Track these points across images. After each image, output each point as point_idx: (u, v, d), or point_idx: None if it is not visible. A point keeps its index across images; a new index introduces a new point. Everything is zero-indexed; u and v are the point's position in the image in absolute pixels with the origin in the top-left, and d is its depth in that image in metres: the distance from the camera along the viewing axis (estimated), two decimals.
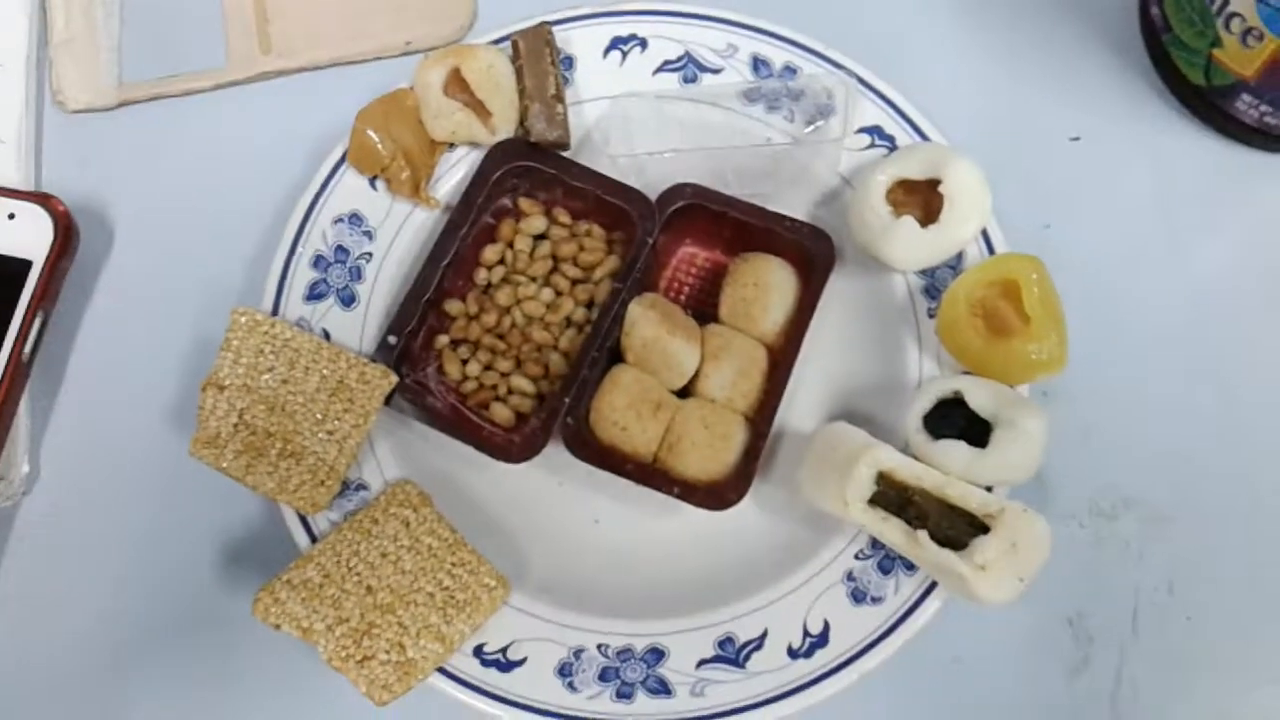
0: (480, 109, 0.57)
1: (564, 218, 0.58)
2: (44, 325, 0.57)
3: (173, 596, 0.54)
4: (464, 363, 0.57)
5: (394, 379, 0.53)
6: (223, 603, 0.54)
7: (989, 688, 0.53)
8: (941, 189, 0.54)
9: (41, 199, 0.58)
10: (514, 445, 0.54)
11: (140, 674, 0.53)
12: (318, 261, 0.56)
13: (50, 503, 0.56)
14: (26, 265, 0.57)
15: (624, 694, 0.50)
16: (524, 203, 0.59)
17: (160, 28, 0.64)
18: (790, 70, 0.59)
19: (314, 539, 0.52)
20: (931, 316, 0.55)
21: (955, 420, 0.51)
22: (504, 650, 0.51)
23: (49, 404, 0.58)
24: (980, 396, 0.51)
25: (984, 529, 0.49)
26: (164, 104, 0.63)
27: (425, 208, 0.58)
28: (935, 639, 0.52)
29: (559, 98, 0.57)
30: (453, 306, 0.57)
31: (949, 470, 0.50)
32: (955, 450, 0.50)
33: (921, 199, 0.55)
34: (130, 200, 0.61)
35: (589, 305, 0.57)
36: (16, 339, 0.56)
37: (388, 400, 0.54)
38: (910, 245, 0.54)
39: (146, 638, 0.54)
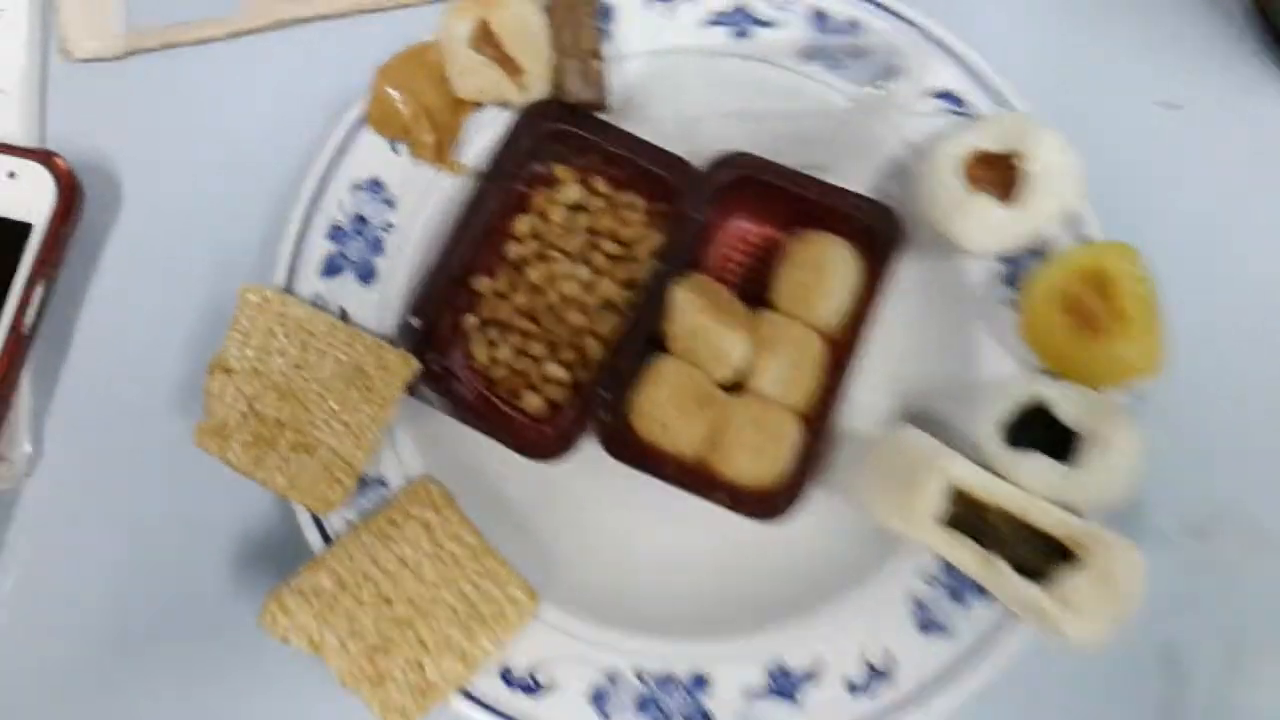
0: (511, 65, 0.51)
1: (603, 187, 0.53)
2: (47, 294, 0.53)
3: (177, 594, 0.50)
4: (493, 345, 0.52)
5: (416, 365, 0.49)
6: (229, 604, 0.50)
7: None
8: (1023, 164, 0.47)
9: (43, 156, 0.54)
10: (546, 441, 0.49)
11: (139, 676, 0.50)
12: (334, 232, 0.52)
13: (53, 486, 0.52)
14: (27, 229, 0.53)
15: None
16: (559, 169, 0.53)
17: None
18: (854, 25, 0.53)
19: (328, 539, 0.48)
20: (1013, 308, 0.49)
21: (1038, 431, 0.46)
22: (532, 672, 0.47)
23: (52, 380, 0.54)
24: (1069, 405, 0.45)
25: (1068, 556, 0.44)
26: (175, 53, 0.58)
27: (451, 173, 0.53)
28: (1010, 675, 0.46)
29: (596, 53, 0.51)
30: (481, 284, 0.52)
31: (1030, 487, 0.45)
32: (1038, 465, 0.45)
33: (1001, 174, 0.49)
34: (139, 159, 0.56)
35: (629, 286, 0.52)
36: (17, 309, 0.51)
37: (410, 389, 0.49)
38: (987, 226, 0.48)
39: (148, 638, 0.50)
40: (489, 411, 0.51)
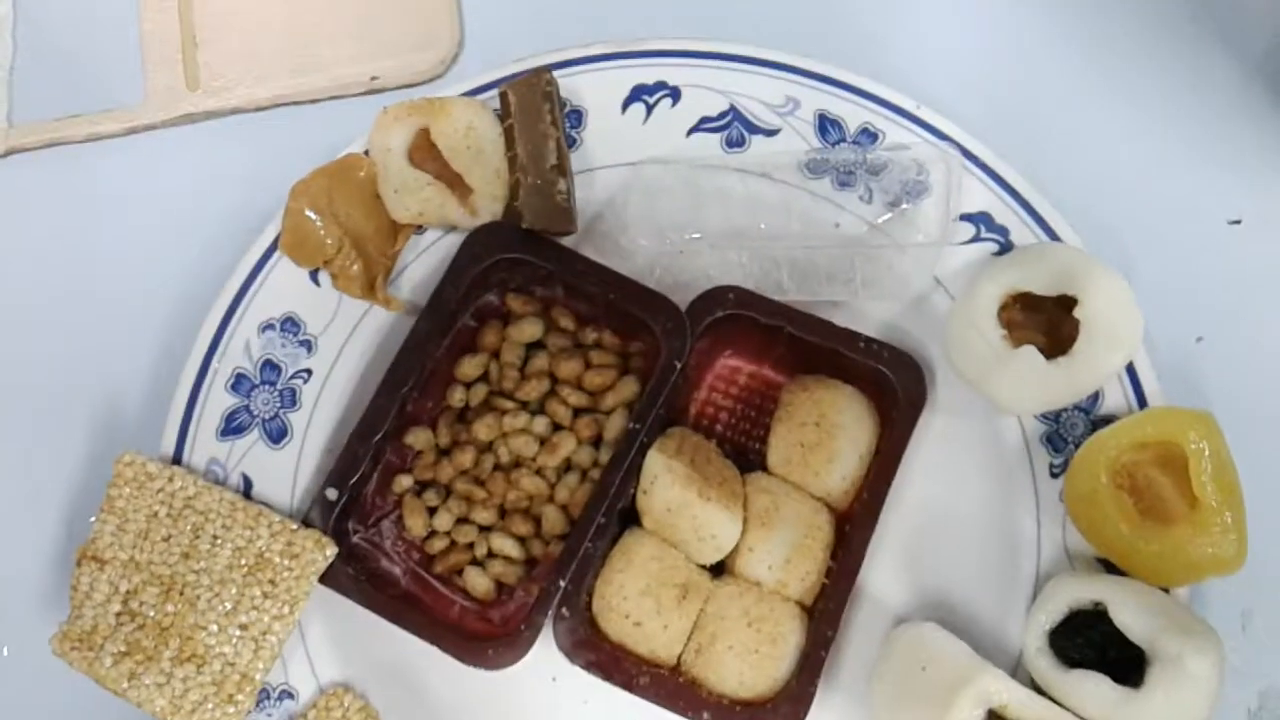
0: (457, 183, 0.44)
1: (566, 322, 0.45)
2: None
3: None
4: (431, 513, 0.44)
5: (332, 550, 0.41)
6: None
7: None
8: (1078, 312, 0.40)
9: None
10: (491, 644, 0.41)
11: None
12: (239, 382, 0.44)
13: None
14: None
15: None
16: (514, 301, 0.45)
17: (63, 56, 0.52)
18: (869, 135, 0.45)
19: None
20: (1055, 476, 0.41)
21: (1092, 638, 0.38)
22: None
23: None
24: (1130, 611, 0.38)
25: None
26: (61, 151, 0.51)
27: (383, 309, 0.44)
28: None
29: (561, 169, 0.43)
30: (418, 438, 0.44)
31: (1086, 714, 0.37)
32: (1095, 688, 0.37)
33: (1046, 319, 0.41)
34: (12, 274, 0.49)
35: (596, 444, 0.44)
36: None
37: (325, 577, 0.41)
38: (1030, 383, 0.41)
39: None
40: (424, 594, 0.43)
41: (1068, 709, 0.37)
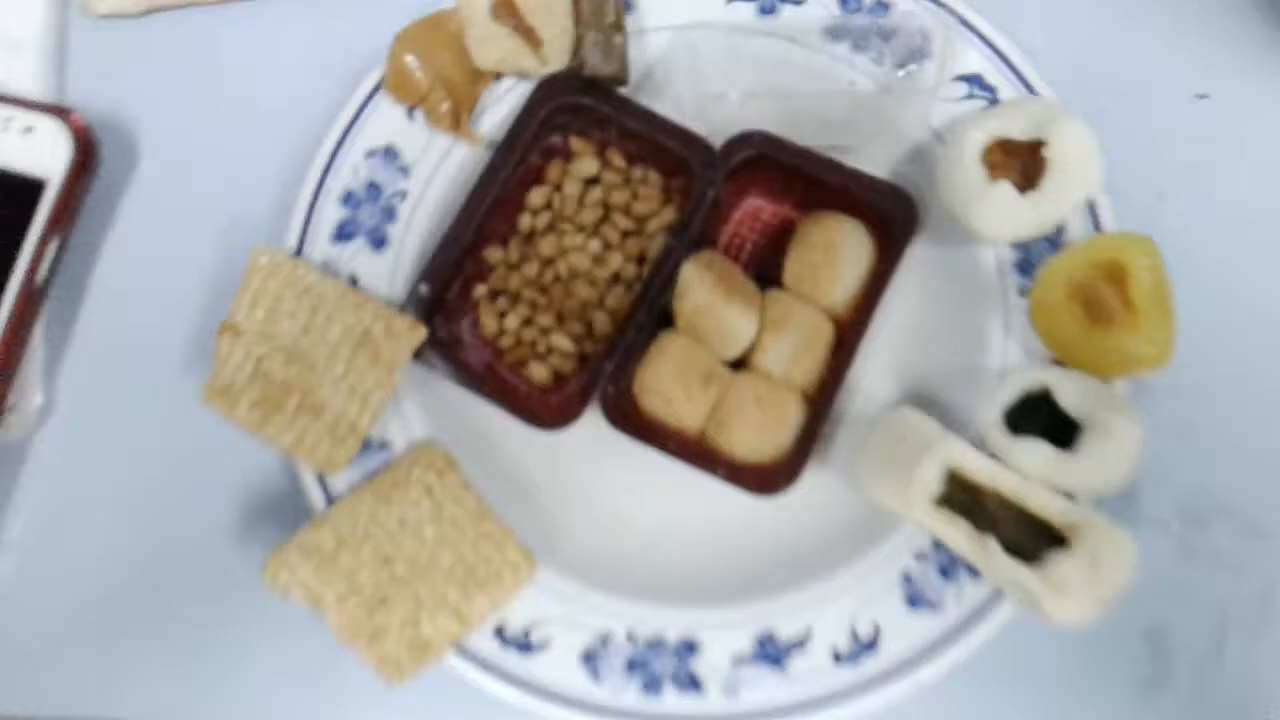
0: (530, 36, 0.52)
1: (618, 161, 0.53)
2: (60, 250, 0.54)
3: (181, 548, 0.51)
4: (502, 315, 0.52)
5: (423, 333, 0.49)
6: (232, 559, 0.51)
7: (1056, 703, 0.49)
8: (1046, 152, 0.47)
9: (60, 113, 0.54)
10: (550, 410, 0.50)
11: (142, 626, 0.51)
12: (347, 198, 0.52)
13: (64, 438, 0.53)
14: (42, 185, 0.53)
15: (651, 688, 0.47)
16: (575, 142, 0.53)
17: None
18: (882, 5, 0.53)
19: (331, 500, 0.49)
20: (1023, 296, 0.49)
21: (1040, 417, 0.46)
22: (526, 632, 0.48)
23: (66, 333, 0.54)
24: (1072, 393, 0.45)
25: (1061, 541, 0.44)
26: (195, 12, 0.58)
27: (467, 143, 0.53)
28: (996, 649, 0.47)
29: (618, 26, 0.51)
30: (492, 254, 0.53)
31: (1028, 472, 0.45)
32: (1037, 451, 0.45)
33: (1021, 162, 0.49)
34: (156, 117, 0.57)
35: (640, 261, 0.52)
36: (31, 264, 0.52)
37: (417, 355, 0.50)
38: (1005, 214, 0.48)
39: (152, 589, 0.51)
40: (495, 381, 0.51)
41: (1014, 469, 0.46)
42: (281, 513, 0.50)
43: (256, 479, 0.52)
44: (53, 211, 0.53)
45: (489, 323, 0.52)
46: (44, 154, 0.53)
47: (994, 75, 0.51)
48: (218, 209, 0.55)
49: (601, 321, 0.51)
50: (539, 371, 0.51)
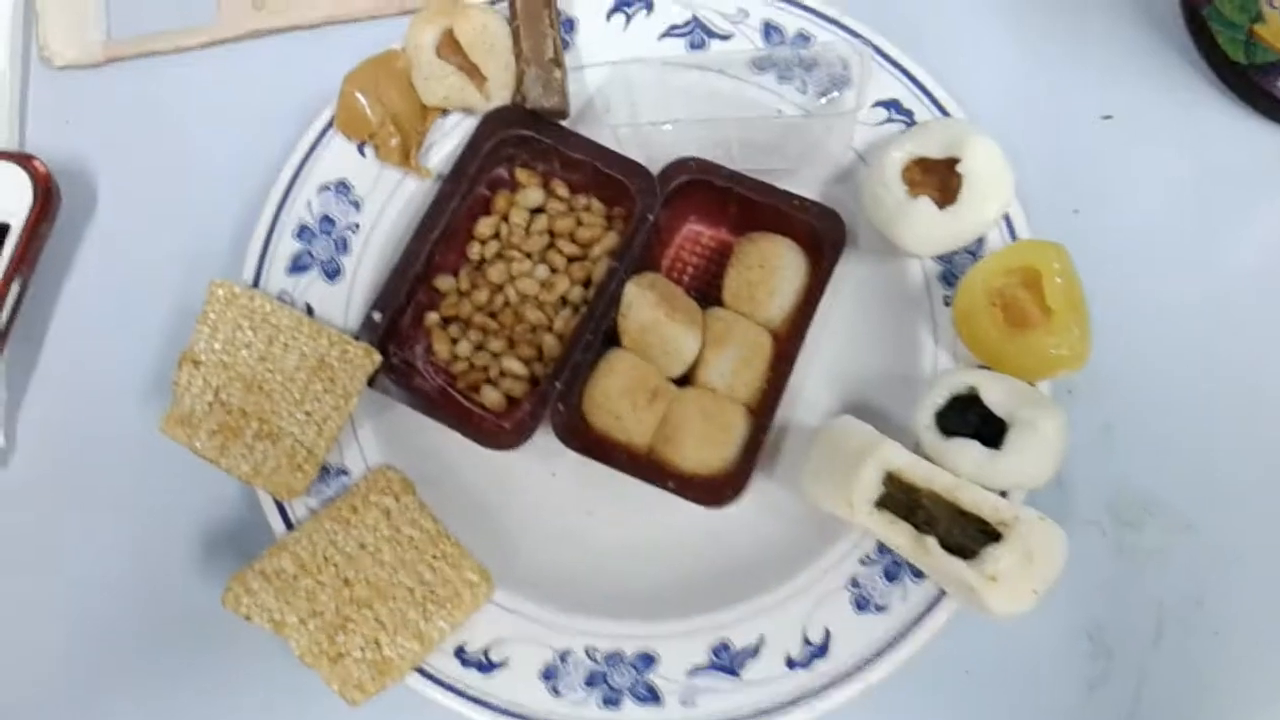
0: (474, 73, 0.54)
1: (562, 191, 0.55)
2: (22, 291, 0.55)
3: (145, 578, 0.52)
4: (454, 342, 0.54)
5: (378, 358, 0.51)
6: (196, 590, 0.52)
7: (1002, 702, 0.50)
8: (960, 168, 0.50)
9: (22, 159, 0.56)
10: (503, 431, 0.51)
11: (108, 657, 0.51)
12: (302, 232, 0.54)
13: (26, 476, 0.54)
14: (4, 229, 0.55)
15: (610, 700, 0.48)
16: (520, 173, 0.56)
17: None
18: (804, 38, 0.55)
19: (291, 526, 0.50)
20: (949, 305, 0.52)
21: (970, 418, 0.48)
22: (486, 651, 0.49)
23: (26, 374, 0.56)
24: (996, 393, 0.48)
25: (997, 537, 0.46)
26: (151, 61, 0.61)
27: (416, 176, 0.55)
28: (945, 650, 0.48)
29: (558, 62, 0.54)
30: (443, 282, 0.54)
31: (961, 472, 0.47)
32: (968, 450, 0.47)
33: (940, 179, 0.51)
34: (115, 162, 0.59)
35: (585, 284, 0.54)
36: None
37: (371, 381, 0.51)
38: (926, 227, 0.51)
39: (116, 620, 0.52)
40: (449, 405, 0.53)
41: (948, 469, 0.48)
42: (244, 541, 0.51)
43: (218, 508, 0.53)
44: (14, 255, 0.54)
45: (442, 349, 0.54)
46: (6, 200, 0.55)
47: (910, 100, 0.54)
48: (176, 248, 0.56)
49: (551, 344, 0.53)
50: (492, 395, 0.53)
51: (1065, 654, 0.50)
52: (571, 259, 0.54)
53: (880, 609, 0.48)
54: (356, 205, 0.54)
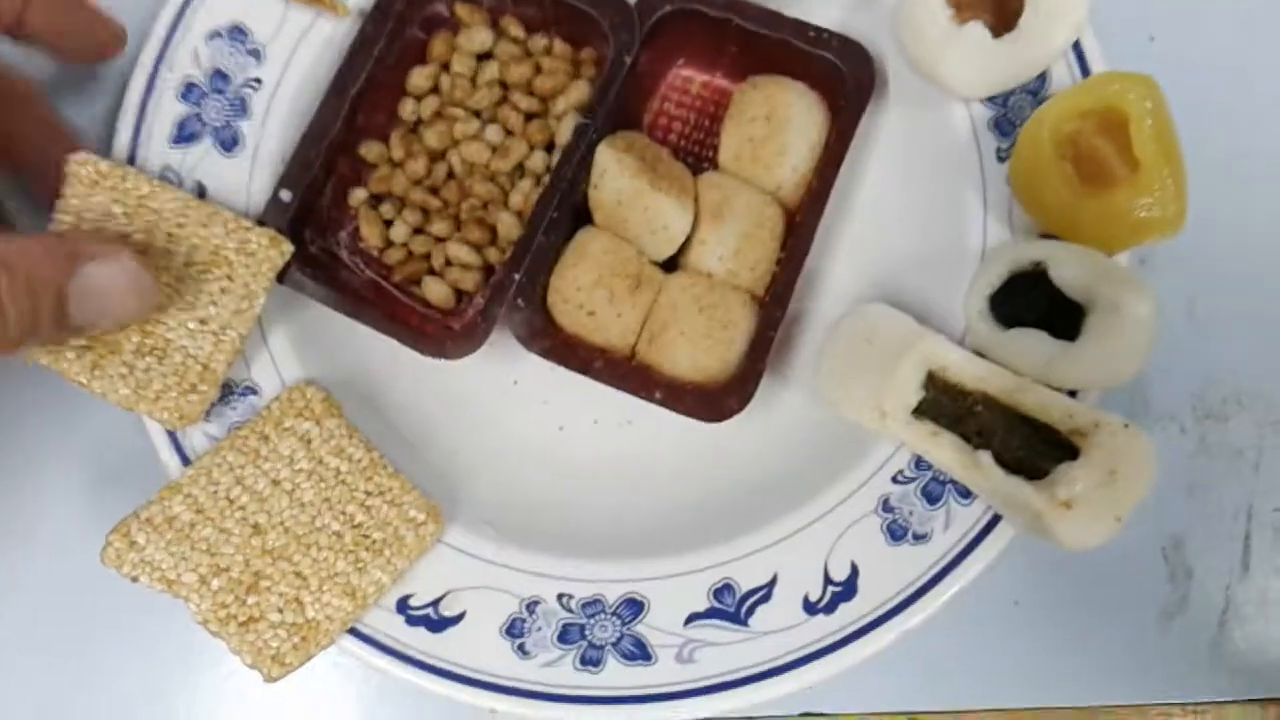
0: None
1: (515, 30, 0.45)
2: None
3: (20, 529, 0.43)
4: (387, 224, 0.45)
5: (288, 248, 0.41)
6: (77, 539, 0.42)
7: (1058, 638, 0.44)
8: None
9: None
10: (451, 335, 0.42)
11: None
12: (188, 91, 0.43)
13: None
14: None
15: (590, 660, 0.39)
16: (462, 9, 0.45)
17: None
18: None
19: (188, 461, 0.40)
20: (1003, 160, 0.42)
21: (1035, 301, 0.39)
22: (436, 603, 0.40)
23: None
24: (1070, 269, 0.38)
25: (1068, 449, 0.37)
26: None
27: (330, 15, 0.44)
28: (988, 577, 0.40)
29: None
30: (371, 150, 0.44)
31: (1023, 370, 0.38)
32: (1034, 342, 0.38)
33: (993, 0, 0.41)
34: None
35: (548, 148, 0.44)
36: None
37: (282, 276, 0.41)
38: (977, 61, 0.41)
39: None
40: (382, 302, 0.44)
41: (1007, 366, 0.38)
42: (135, 483, 0.42)
43: (102, 441, 0.43)
44: None
45: (372, 234, 0.44)
46: None
47: None
48: None
49: (507, 224, 0.43)
50: (436, 289, 0.43)
51: (1135, 577, 0.44)
52: (529, 116, 0.44)
53: (920, 538, 0.40)
54: (256, 55, 0.44)
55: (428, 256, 0.44)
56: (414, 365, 0.42)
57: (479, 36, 0.44)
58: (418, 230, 0.44)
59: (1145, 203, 0.38)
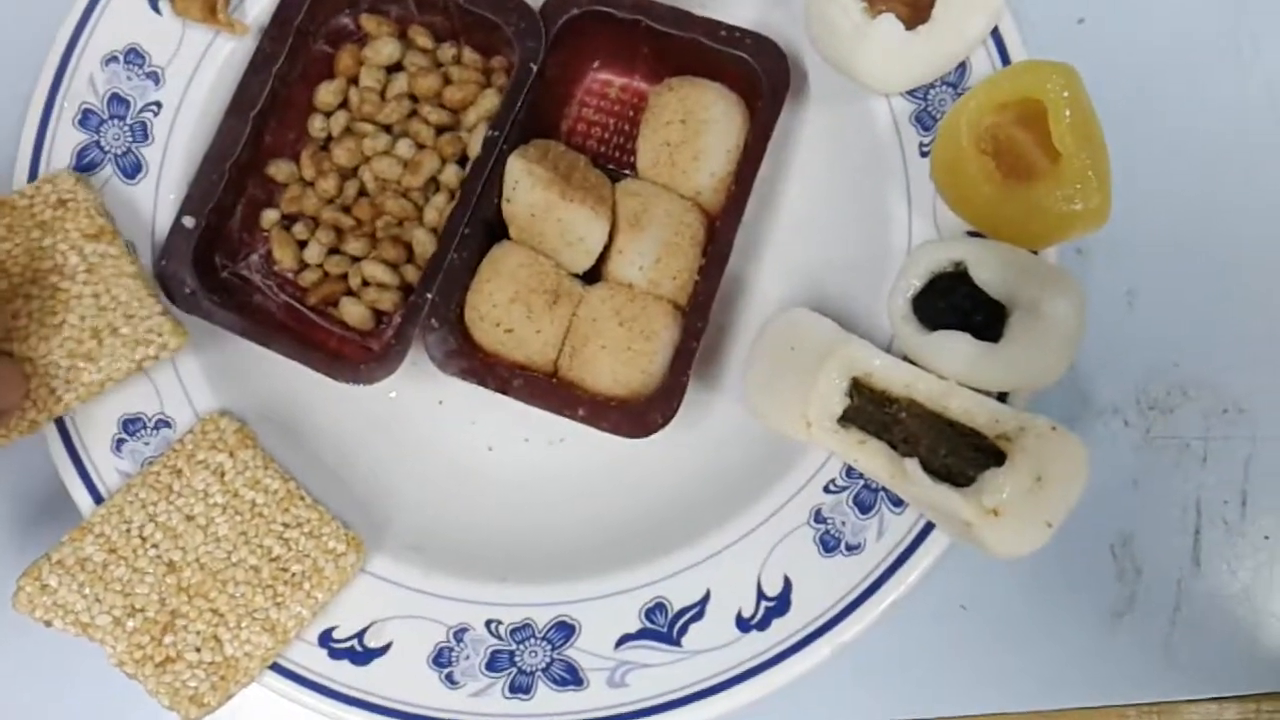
0: None
1: (423, 40, 0.44)
2: None
3: None
4: (301, 245, 0.43)
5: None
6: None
7: (1006, 641, 0.43)
8: None
9: None
10: (369, 356, 0.41)
11: None
12: (86, 118, 0.43)
13: None
14: None
15: (520, 687, 0.39)
16: (367, 21, 0.44)
17: None
18: None
19: (100, 500, 0.39)
20: (925, 155, 0.40)
21: (958, 303, 0.38)
22: (361, 635, 0.39)
23: None
24: (989, 269, 0.37)
25: (996, 455, 0.36)
26: None
27: (229, 33, 0.43)
28: (934, 582, 0.39)
29: None
30: (280, 170, 0.43)
31: (949, 373, 0.37)
32: (957, 344, 0.37)
33: None
34: None
35: (461, 162, 0.43)
36: None
37: (191, 306, 0.40)
38: (892, 55, 0.40)
39: None
40: (299, 326, 0.43)
41: (931, 370, 0.37)
42: (51, 523, 0.41)
43: (19, 485, 0.42)
44: None
45: (285, 255, 0.43)
46: None
47: None
48: None
49: (422, 240, 0.42)
50: (354, 310, 0.42)
51: (1083, 577, 0.43)
52: (440, 129, 0.43)
53: (852, 549, 0.39)
54: (155, 78, 0.43)
55: (344, 277, 0.43)
56: (335, 389, 0.40)
57: (386, 49, 0.43)
58: (332, 250, 0.43)
59: (1067, 195, 0.36)
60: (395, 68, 0.44)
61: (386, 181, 0.43)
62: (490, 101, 0.43)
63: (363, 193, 0.43)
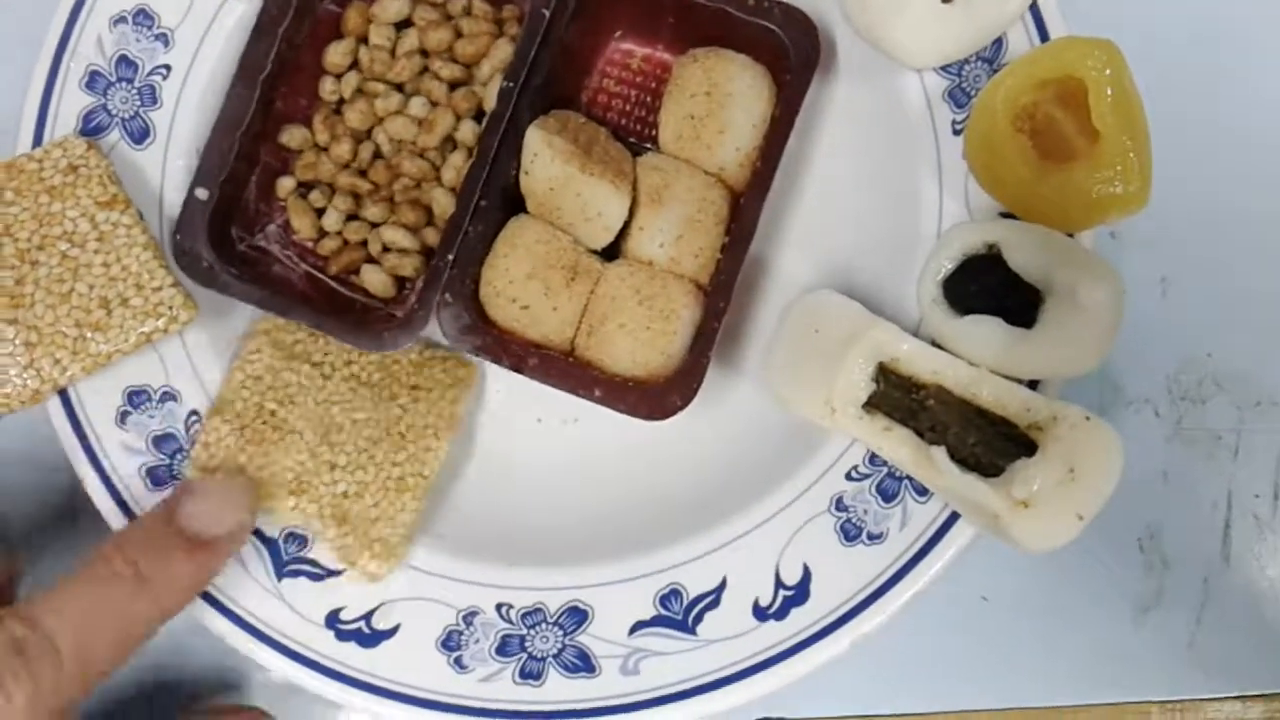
0: None
1: None
2: None
3: None
4: (319, 213, 0.42)
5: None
6: None
7: (1028, 633, 0.42)
8: None
9: None
10: (393, 323, 0.40)
11: None
12: (93, 80, 0.41)
13: None
14: None
15: (530, 673, 0.38)
16: None
17: None
18: None
19: (103, 474, 0.39)
20: (958, 134, 0.39)
21: (991, 287, 0.36)
22: (368, 616, 0.39)
23: None
24: (1025, 252, 0.36)
25: (1027, 445, 0.34)
26: None
27: None
28: (955, 572, 0.38)
29: None
30: (294, 136, 0.42)
31: (979, 360, 0.36)
32: (989, 330, 0.36)
33: None
34: None
35: (478, 117, 0.42)
36: None
37: (208, 280, 0.40)
38: (927, 28, 0.38)
39: None
40: (321, 297, 0.42)
41: (961, 356, 0.36)
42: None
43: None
44: None
45: (302, 224, 0.42)
46: None
47: None
48: None
49: (442, 202, 0.41)
50: (375, 278, 0.41)
51: (1109, 570, 0.42)
52: (454, 84, 0.42)
53: (874, 538, 0.38)
54: (164, 40, 0.41)
55: (364, 244, 0.41)
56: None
57: (395, 4, 0.42)
58: (351, 217, 0.42)
59: (1105, 177, 0.35)
60: (404, 24, 0.42)
61: (402, 142, 0.41)
62: (504, 52, 0.41)
63: (378, 155, 0.42)
